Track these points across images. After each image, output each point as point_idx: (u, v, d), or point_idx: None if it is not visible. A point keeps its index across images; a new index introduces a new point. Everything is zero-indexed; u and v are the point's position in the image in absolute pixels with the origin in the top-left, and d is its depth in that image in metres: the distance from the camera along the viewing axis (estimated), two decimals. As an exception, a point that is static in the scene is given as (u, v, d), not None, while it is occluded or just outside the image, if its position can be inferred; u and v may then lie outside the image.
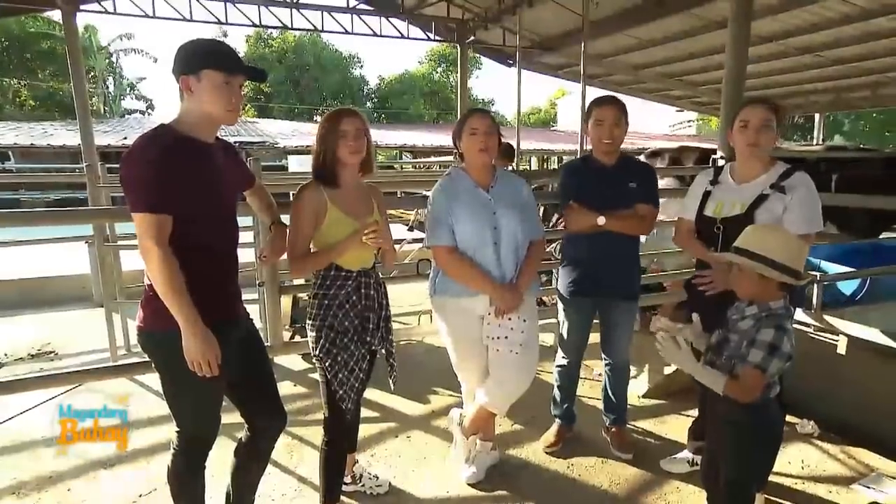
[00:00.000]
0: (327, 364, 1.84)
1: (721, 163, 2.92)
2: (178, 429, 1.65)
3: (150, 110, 26.38)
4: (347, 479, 2.18)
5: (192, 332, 1.43)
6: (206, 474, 1.72)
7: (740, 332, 1.58)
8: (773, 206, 1.87)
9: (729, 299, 1.73)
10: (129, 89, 26.16)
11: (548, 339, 3.65)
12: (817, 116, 12.34)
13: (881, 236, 4.71)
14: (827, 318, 2.60)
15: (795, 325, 2.75)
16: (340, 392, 1.84)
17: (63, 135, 13.94)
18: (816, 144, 10.01)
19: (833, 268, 3.00)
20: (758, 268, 1.50)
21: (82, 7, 6.58)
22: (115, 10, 6.91)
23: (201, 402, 1.61)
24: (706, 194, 2.06)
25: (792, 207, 1.85)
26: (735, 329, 1.61)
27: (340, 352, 1.83)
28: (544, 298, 3.58)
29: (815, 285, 2.63)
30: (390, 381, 2.07)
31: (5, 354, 3.86)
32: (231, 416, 2.89)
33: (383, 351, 2.02)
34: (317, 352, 1.86)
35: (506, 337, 2.05)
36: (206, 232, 1.54)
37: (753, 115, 1.90)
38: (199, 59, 1.45)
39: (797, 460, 2.42)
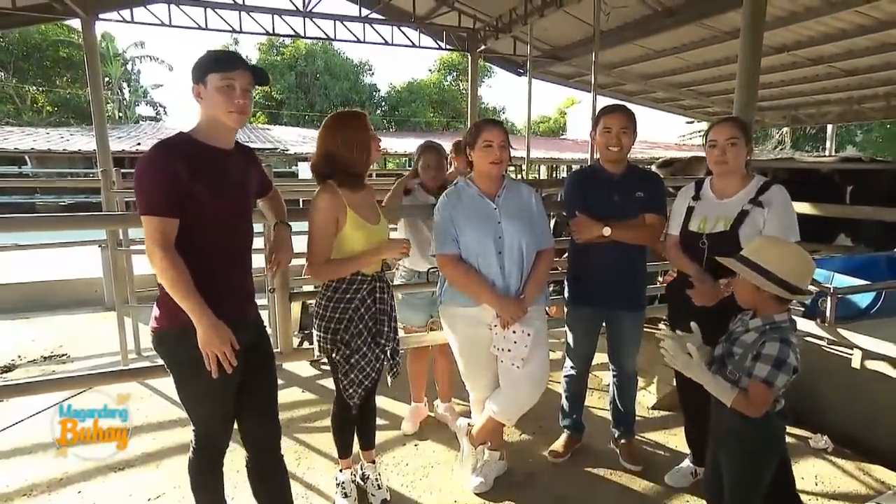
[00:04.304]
0: (339, 361, 1.91)
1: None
2: (193, 427, 1.68)
3: (163, 116, 26.72)
4: (357, 477, 2.22)
5: (205, 324, 1.46)
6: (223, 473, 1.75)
7: (744, 345, 1.57)
8: (754, 220, 1.93)
9: (711, 312, 1.87)
10: (143, 96, 26.54)
11: (556, 349, 3.62)
12: (830, 127, 12.25)
13: (896, 249, 4.65)
14: (840, 331, 2.57)
15: (810, 339, 2.73)
16: (350, 391, 1.93)
17: (78, 140, 14.18)
18: (829, 156, 9.93)
19: (847, 280, 2.96)
20: (752, 277, 1.51)
21: (101, 16, 6.72)
22: (132, 18, 7.06)
23: (212, 399, 1.62)
24: (689, 210, 2.10)
25: (769, 220, 1.92)
26: (739, 342, 1.60)
27: (353, 354, 1.90)
28: (546, 308, 3.56)
29: (829, 298, 2.60)
30: (388, 378, 2.10)
31: (18, 356, 3.91)
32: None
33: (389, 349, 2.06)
34: (332, 354, 1.92)
35: (509, 350, 2.03)
36: (217, 235, 1.57)
37: (720, 135, 1.97)
38: (203, 67, 1.53)
39: (810, 476, 2.37)
